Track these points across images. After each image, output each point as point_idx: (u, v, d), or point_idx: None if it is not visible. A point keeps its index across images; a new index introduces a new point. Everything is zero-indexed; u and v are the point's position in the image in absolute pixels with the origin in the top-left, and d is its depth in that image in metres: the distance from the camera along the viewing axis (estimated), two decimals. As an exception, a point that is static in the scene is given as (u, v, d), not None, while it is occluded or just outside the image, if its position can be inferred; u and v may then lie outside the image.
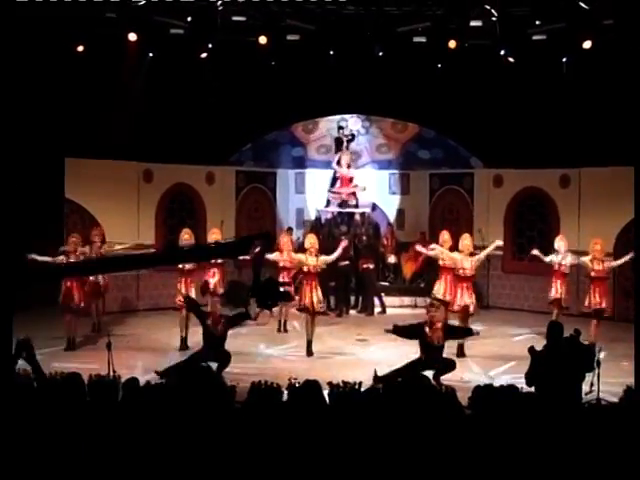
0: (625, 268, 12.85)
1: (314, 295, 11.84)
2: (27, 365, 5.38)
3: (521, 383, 7.13)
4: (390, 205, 18.34)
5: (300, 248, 13.52)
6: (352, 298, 15.83)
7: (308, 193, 18.33)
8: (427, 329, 9.73)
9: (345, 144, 17.26)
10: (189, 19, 13.14)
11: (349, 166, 17.16)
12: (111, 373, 7.87)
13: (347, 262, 15.22)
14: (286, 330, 13.53)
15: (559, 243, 12.70)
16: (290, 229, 16.21)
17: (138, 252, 4.88)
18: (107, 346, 9.11)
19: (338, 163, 17.24)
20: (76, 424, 4.80)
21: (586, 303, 12.05)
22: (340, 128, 17.38)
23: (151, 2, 12.69)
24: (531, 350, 7.40)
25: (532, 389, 6.83)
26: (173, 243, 13.30)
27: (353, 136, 17.42)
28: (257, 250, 5.22)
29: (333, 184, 17.45)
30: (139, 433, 4.66)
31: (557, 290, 12.50)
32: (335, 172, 17.33)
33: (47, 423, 4.77)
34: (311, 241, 12.10)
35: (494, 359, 11.52)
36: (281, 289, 6.58)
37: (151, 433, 4.58)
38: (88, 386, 5.43)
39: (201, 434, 4.43)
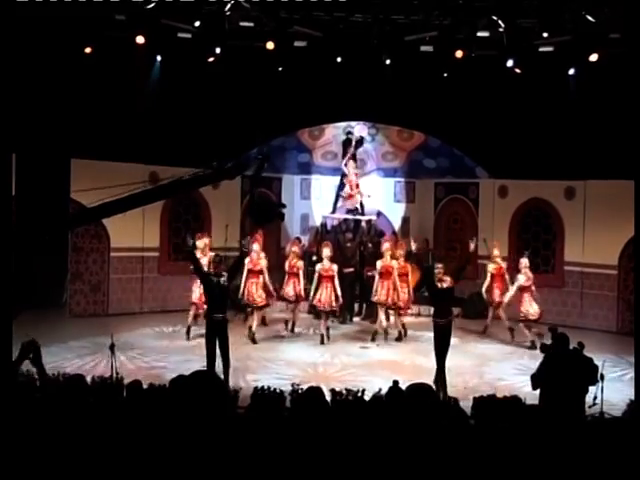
0: (630, 282, 12.89)
1: (328, 295, 13.09)
2: (31, 367, 5.39)
3: (524, 394, 7.13)
4: (395, 213, 18.33)
5: (305, 254, 13.75)
6: (356, 305, 15.83)
7: (313, 199, 18.32)
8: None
9: (354, 146, 17.19)
10: (197, 23, 13.16)
11: (356, 174, 17.07)
12: (114, 375, 7.86)
13: (352, 269, 15.22)
14: (293, 332, 13.68)
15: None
16: (298, 239, 15.76)
17: (144, 188, 4.96)
18: (110, 348, 9.10)
19: (346, 166, 17.14)
20: (79, 426, 4.80)
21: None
22: (348, 133, 17.33)
23: (160, 5, 12.71)
24: (543, 347, 7.39)
25: (535, 401, 6.81)
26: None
27: (362, 138, 17.37)
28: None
29: (342, 187, 17.17)
30: (141, 436, 4.65)
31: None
32: (343, 176, 17.12)
33: (50, 424, 4.77)
34: (328, 253, 13.39)
35: (496, 369, 11.52)
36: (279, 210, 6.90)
37: (153, 436, 4.57)
38: (91, 388, 5.44)
39: (202, 439, 4.42)
